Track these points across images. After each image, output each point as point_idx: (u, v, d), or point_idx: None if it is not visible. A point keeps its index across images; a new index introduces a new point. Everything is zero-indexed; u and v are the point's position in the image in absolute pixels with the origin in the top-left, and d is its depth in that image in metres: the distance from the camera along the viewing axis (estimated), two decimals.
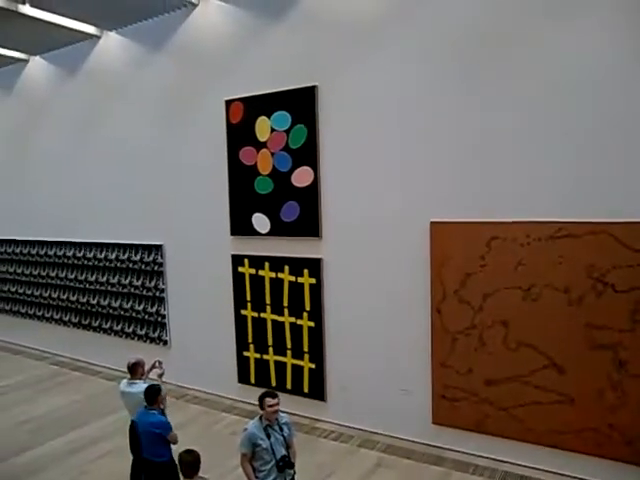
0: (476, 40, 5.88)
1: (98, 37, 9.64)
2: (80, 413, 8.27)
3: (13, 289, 12.29)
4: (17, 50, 10.66)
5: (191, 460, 4.02)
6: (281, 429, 4.49)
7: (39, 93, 11.08)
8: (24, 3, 8.08)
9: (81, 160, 10.27)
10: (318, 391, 7.44)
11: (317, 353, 7.37)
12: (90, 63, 9.96)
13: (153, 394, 4.96)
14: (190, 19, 8.27)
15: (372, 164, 6.71)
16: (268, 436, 4.34)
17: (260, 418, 4.44)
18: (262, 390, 7.71)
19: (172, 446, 5.02)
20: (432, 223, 6.28)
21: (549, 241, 5.59)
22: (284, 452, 4.40)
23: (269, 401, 4.37)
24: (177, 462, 4.16)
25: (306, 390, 7.52)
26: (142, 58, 9.07)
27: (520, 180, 5.75)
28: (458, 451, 6.45)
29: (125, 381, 5.77)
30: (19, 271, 12.03)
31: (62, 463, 6.76)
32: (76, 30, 9.23)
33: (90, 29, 9.38)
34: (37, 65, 11.03)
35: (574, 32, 5.35)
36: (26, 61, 11.15)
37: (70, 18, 8.84)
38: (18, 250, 11.94)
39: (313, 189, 7.09)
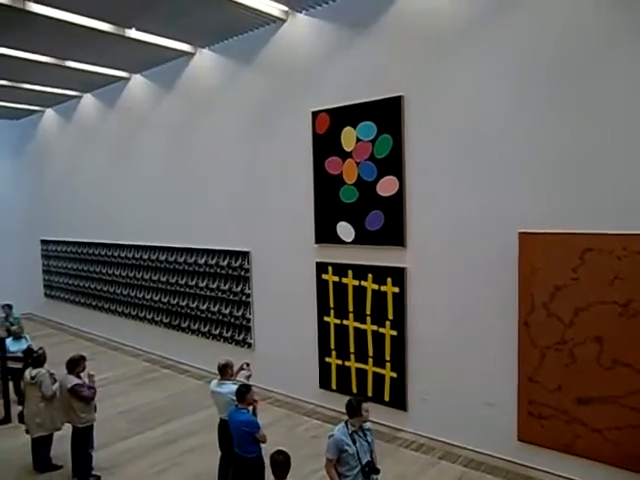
0: (566, 55, 5.71)
1: (192, 54, 10.25)
2: (170, 408, 8.77)
3: (111, 289, 13.25)
4: (120, 69, 11.55)
5: (281, 460, 4.18)
6: (365, 435, 4.57)
7: (138, 107, 11.93)
8: (130, 28, 8.76)
9: (176, 170, 10.93)
10: (399, 400, 7.43)
11: (399, 362, 7.37)
12: (184, 79, 10.60)
13: (243, 393, 5.21)
14: (278, 34, 8.60)
15: (458, 174, 6.66)
16: (354, 442, 4.42)
17: (346, 424, 4.53)
18: (343, 396, 7.90)
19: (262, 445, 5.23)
20: (520, 234, 6.13)
21: None
22: (369, 458, 4.47)
23: (366, 407, 4.47)
24: (269, 462, 4.33)
25: (387, 399, 7.53)
26: (232, 73, 9.54)
27: (616, 190, 5.49)
28: (545, 471, 6.21)
29: (215, 381, 6.08)
30: (117, 273, 12.95)
31: (155, 453, 7.21)
32: (173, 49, 9.88)
33: (185, 47, 10.00)
34: (137, 82, 11.89)
35: None
36: (127, 79, 12.05)
37: (168, 38, 9.48)
38: (117, 253, 12.86)
39: (398, 198, 7.13)
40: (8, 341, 8.57)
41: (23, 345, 8.31)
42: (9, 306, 11.36)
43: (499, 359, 6.45)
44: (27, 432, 6.82)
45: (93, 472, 6.54)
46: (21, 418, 6.94)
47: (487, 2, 6.29)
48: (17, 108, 15.05)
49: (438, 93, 6.78)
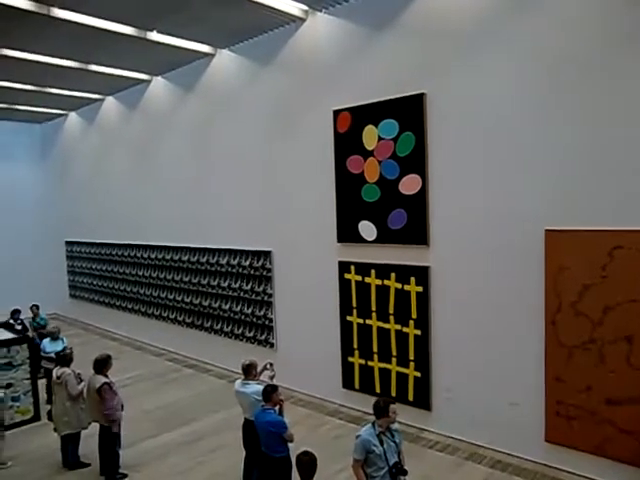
0: (592, 52, 5.60)
1: (212, 55, 10.31)
2: (194, 408, 8.83)
3: (135, 290, 13.41)
4: (142, 72, 11.67)
5: (307, 461, 4.18)
6: (392, 435, 4.54)
7: (159, 109, 12.05)
8: (152, 30, 8.84)
9: (197, 170, 11.01)
10: (423, 400, 7.37)
11: (423, 361, 7.32)
12: (204, 80, 10.68)
13: (269, 393, 5.21)
14: (298, 33, 8.60)
15: (482, 171, 6.58)
16: (381, 442, 4.40)
17: (373, 425, 4.51)
18: (367, 396, 7.89)
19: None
20: (547, 231, 6.03)
21: None
22: (396, 458, 4.44)
23: (394, 408, 4.44)
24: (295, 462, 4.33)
25: (411, 398, 7.48)
26: (252, 73, 9.57)
27: None
28: (574, 473, 6.11)
29: (239, 381, 6.09)
30: (140, 273, 13.10)
31: (180, 452, 7.28)
32: (193, 50, 9.95)
33: (206, 48, 10.06)
34: (158, 84, 12.01)
35: None
36: (149, 81, 12.17)
37: (189, 40, 9.55)
38: (140, 254, 13.01)
39: (421, 196, 7.07)
40: (45, 342, 8.67)
41: (59, 346, 8.37)
42: (36, 306, 11.55)
43: (525, 358, 6.36)
44: (55, 430, 6.94)
45: (120, 470, 6.63)
46: (50, 416, 7.05)
47: None
48: (42, 112, 15.32)
49: (461, 90, 6.71)
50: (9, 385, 8.16)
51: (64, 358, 7.08)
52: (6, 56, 9.78)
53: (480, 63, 6.50)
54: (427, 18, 6.95)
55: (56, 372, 6.95)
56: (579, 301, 5.86)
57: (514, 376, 6.50)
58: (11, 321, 10.27)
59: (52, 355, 8.25)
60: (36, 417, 8.44)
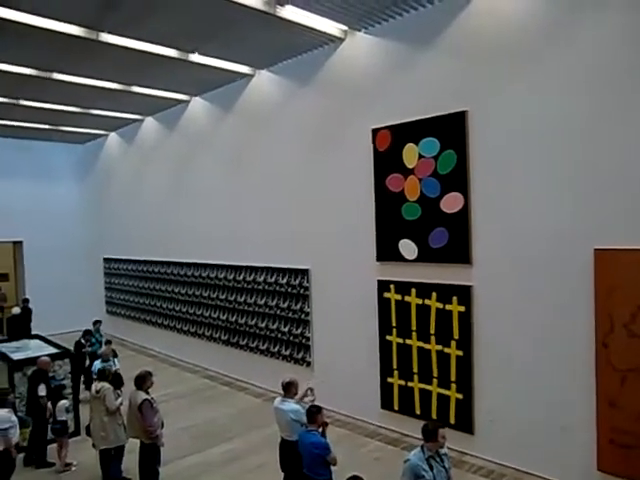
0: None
1: (251, 75, 10.48)
2: (231, 426, 8.79)
3: (171, 307, 13.55)
4: (181, 92, 11.95)
5: None
6: (442, 460, 4.41)
7: (198, 129, 12.28)
8: (193, 52, 9.06)
9: (235, 189, 11.13)
10: (466, 423, 7.18)
11: (465, 383, 7.14)
12: (243, 100, 10.85)
13: (313, 414, 5.15)
14: (337, 53, 8.68)
15: (527, 189, 6.46)
16: (431, 467, 4.29)
17: (422, 448, 4.40)
18: (406, 418, 7.75)
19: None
20: (596, 250, 5.86)
21: None
22: None
23: (443, 432, 4.33)
24: None
25: (452, 421, 7.29)
26: (291, 93, 9.69)
27: None
28: None
29: (279, 398, 6.07)
30: (176, 290, 13.24)
31: (219, 471, 7.23)
32: (233, 71, 10.14)
33: (245, 69, 10.24)
34: (197, 104, 12.26)
35: None
36: (187, 102, 12.45)
37: (229, 61, 9.74)
38: (176, 271, 13.17)
39: (463, 215, 6.97)
40: (97, 363, 8.75)
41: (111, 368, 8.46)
42: (99, 322, 11.63)
43: (574, 382, 6.14)
44: (93, 446, 6.99)
45: None
46: (88, 431, 7.13)
47: (554, 16, 6.15)
48: (84, 133, 15.82)
49: (504, 108, 6.64)
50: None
51: (103, 373, 7.22)
52: (55, 79, 10.15)
53: (524, 81, 6.43)
54: (469, 36, 6.93)
55: (95, 386, 7.05)
56: (633, 322, 5.64)
57: (563, 400, 6.27)
58: (82, 341, 10.43)
59: None
60: (76, 432, 8.53)
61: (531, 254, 6.46)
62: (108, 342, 10.47)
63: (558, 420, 6.32)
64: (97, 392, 6.91)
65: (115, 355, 9.87)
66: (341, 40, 8.54)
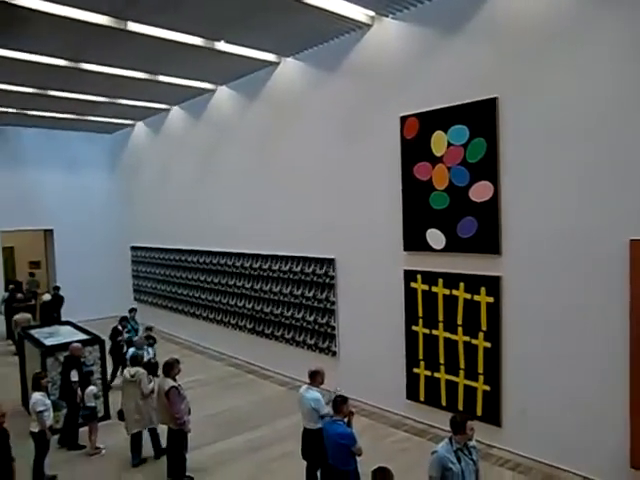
0: None
1: (277, 63, 10.40)
2: (256, 414, 8.85)
3: (197, 295, 13.68)
4: (207, 81, 11.95)
5: (384, 477, 4.03)
6: (470, 453, 4.34)
7: (224, 117, 12.29)
8: (219, 40, 9.02)
9: (261, 177, 11.13)
10: (493, 415, 7.08)
11: (493, 375, 7.03)
12: (268, 88, 10.79)
13: (339, 403, 5.13)
14: (364, 39, 8.55)
15: (560, 177, 6.28)
16: (459, 460, 4.22)
17: (450, 440, 4.33)
18: (432, 409, 7.69)
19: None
20: (632, 241, 5.67)
21: None
22: (474, 477, 4.24)
23: (471, 424, 4.26)
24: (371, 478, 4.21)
25: (479, 413, 7.19)
26: (317, 80, 9.59)
27: None
28: None
29: (305, 386, 6.08)
30: (202, 279, 13.35)
31: (244, 459, 7.29)
32: (258, 59, 10.08)
33: (271, 57, 10.16)
34: (223, 93, 12.26)
35: None
36: (213, 91, 12.45)
37: (255, 49, 9.68)
38: (202, 260, 13.27)
39: (493, 204, 6.82)
40: (131, 350, 8.81)
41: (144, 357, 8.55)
42: (134, 310, 11.65)
43: (607, 376, 5.99)
44: (126, 429, 7.15)
45: (187, 474, 6.70)
46: (121, 416, 7.26)
47: None
48: (112, 122, 15.99)
49: (536, 94, 6.45)
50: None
51: (136, 359, 7.43)
52: (83, 69, 10.25)
53: (556, 65, 6.23)
54: (499, 20, 6.74)
55: (129, 371, 7.22)
56: None
57: (594, 395, 6.13)
58: (119, 327, 10.60)
59: None
60: (106, 415, 8.71)
61: (563, 244, 6.29)
62: (149, 328, 10.54)
63: (589, 415, 6.19)
64: (132, 376, 7.09)
65: (153, 342, 9.92)
66: (368, 26, 8.40)
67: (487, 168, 6.85)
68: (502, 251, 6.85)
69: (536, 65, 6.43)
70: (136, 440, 7.21)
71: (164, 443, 6.94)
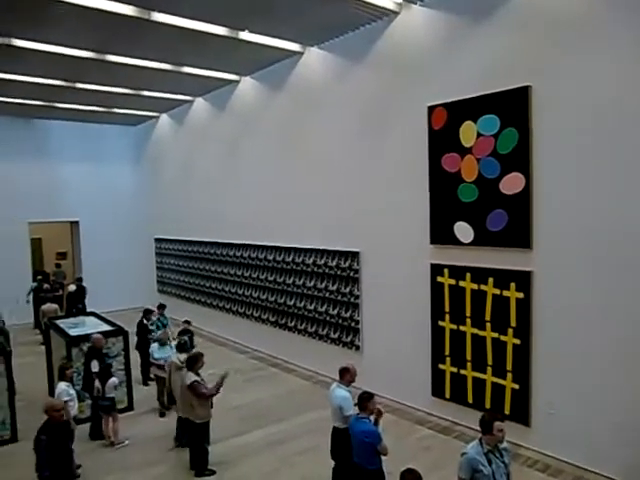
0: None
1: (301, 53, 10.26)
2: (279, 407, 8.79)
3: (220, 287, 13.69)
4: (231, 72, 11.88)
5: (412, 479, 3.91)
6: (501, 455, 4.19)
7: (247, 108, 12.21)
8: (243, 30, 8.91)
9: (285, 169, 11.04)
10: (522, 414, 6.88)
11: (522, 373, 6.82)
12: (292, 79, 10.66)
13: (364, 400, 5.02)
14: (391, 28, 8.35)
15: (595, 168, 6.01)
16: (489, 462, 4.07)
17: (480, 442, 4.18)
18: (458, 406, 7.53)
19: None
20: None
21: None
22: None
23: (499, 425, 4.09)
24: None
25: (507, 412, 6.99)
26: (342, 70, 9.42)
27: None
28: None
29: (335, 383, 5.94)
30: (225, 271, 13.35)
31: (267, 452, 7.23)
32: (282, 49, 9.95)
33: (295, 47, 10.03)
34: (246, 84, 12.18)
35: None
36: (237, 82, 12.37)
37: (279, 38, 9.55)
38: (226, 252, 13.26)
39: (524, 196, 6.59)
40: (154, 347, 8.83)
41: (167, 353, 8.50)
42: (164, 306, 11.45)
43: None
44: (176, 412, 7.49)
45: (209, 466, 6.68)
46: (171, 399, 7.95)
47: None
48: (137, 115, 16.06)
49: (570, 82, 6.18)
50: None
51: (183, 346, 7.87)
52: (108, 61, 10.26)
53: (592, 52, 5.95)
54: (532, 6, 6.47)
55: (178, 357, 7.42)
56: None
57: (626, 398, 5.89)
58: (145, 321, 10.65)
59: (161, 362, 8.42)
60: (130, 407, 8.75)
61: (598, 238, 6.04)
62: (187, 322, 10.59)
63: (622, 418, 5.95)
64: (182, 362, 7.13)
65: (191, 335, 10.08)
66: (396, 14, 8.19)
67: (519, 159, 6.61)
68: (533, 245, 6.61)
69: (570, 52, 6.16)
70: (181, 425, 7.31)
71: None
